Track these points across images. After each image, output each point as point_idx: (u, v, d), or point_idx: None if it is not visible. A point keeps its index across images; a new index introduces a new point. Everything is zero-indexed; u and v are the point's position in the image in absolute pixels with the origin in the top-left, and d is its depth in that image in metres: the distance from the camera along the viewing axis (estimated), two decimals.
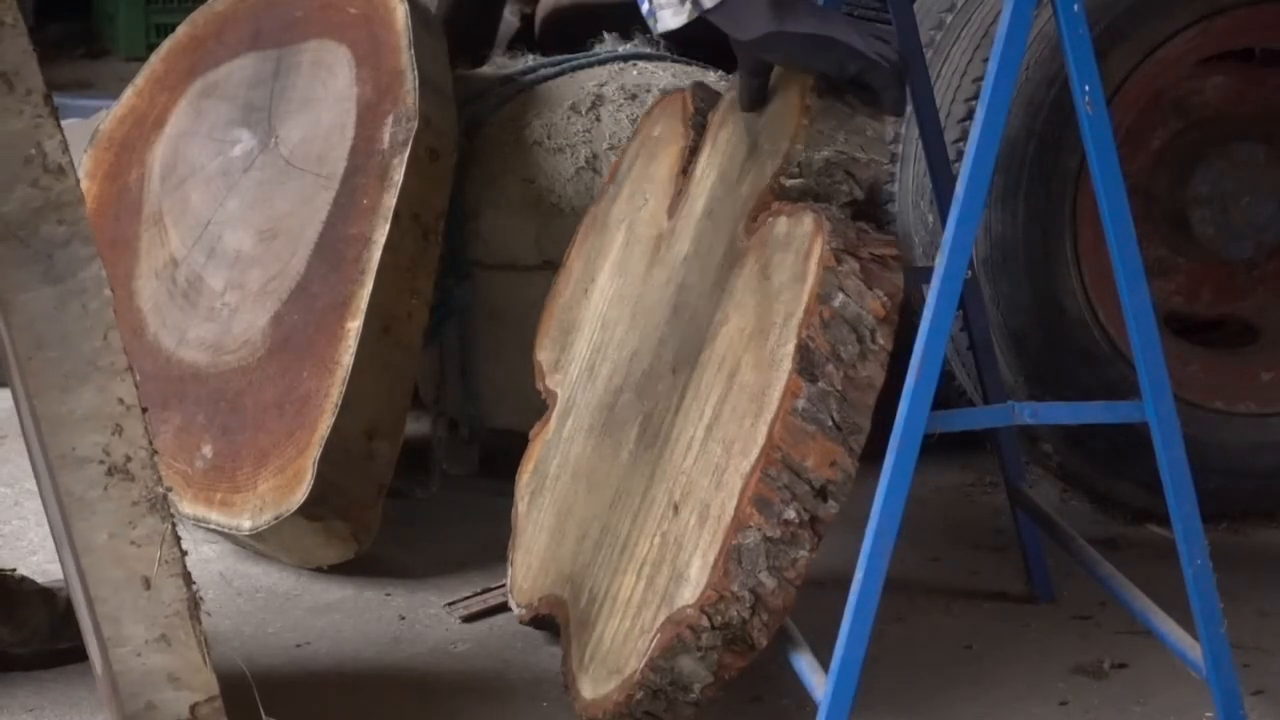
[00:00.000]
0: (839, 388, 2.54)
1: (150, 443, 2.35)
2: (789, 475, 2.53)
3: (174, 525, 2.35)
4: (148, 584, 2.33)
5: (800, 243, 2.64)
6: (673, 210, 3.09)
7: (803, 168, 2.74)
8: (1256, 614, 3.28)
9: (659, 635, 2.61)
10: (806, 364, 2.54)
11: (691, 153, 3.11)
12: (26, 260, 2.32)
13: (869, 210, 2.84)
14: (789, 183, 2.75)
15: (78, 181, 2.34)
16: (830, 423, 2.54)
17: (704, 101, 3.16)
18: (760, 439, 2.56)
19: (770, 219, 2.74)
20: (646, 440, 2.86)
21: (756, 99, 2.88)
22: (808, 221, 2.64)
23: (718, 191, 2.95)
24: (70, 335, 2.33)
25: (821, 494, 2.54)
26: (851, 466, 2.56)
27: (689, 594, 2.60)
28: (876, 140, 2.75)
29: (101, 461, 2.33)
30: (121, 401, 2.34)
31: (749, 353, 2.66)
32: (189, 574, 2.37)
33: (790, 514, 2.54)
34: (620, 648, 2.72)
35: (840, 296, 2.55)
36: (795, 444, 2.53)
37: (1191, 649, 2.70)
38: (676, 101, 3.22)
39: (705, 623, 2.57)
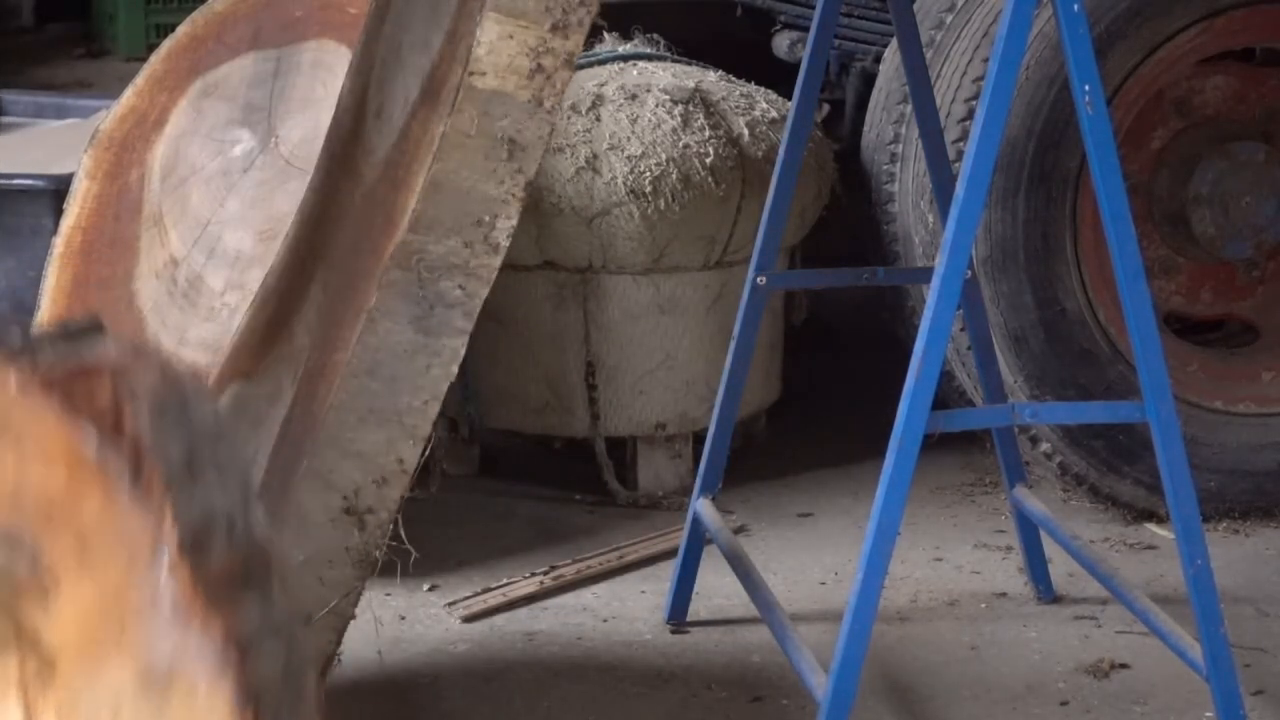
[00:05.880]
0: None
1: (397, 513, 2.36)
2: None
3: (361, 591, 2.37)
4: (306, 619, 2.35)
5: None
6: None
7: None
8: (1256, 614, 3.28)
9: None
10: None
11: None
12: (412, 298, 2.35)
13: None
14: None
15: (497, 268, 2.36)
16: None
17: None
18: None
19: None
20: None
21: None
22: None
23: None
24: (398, 381, 2.35)
25: None
26: None
27: None
28: None
29: (346, 498, 2.34)
30: (400, 462, 2.38)
31: None
32: (339, 642, 2.39)
33: None
34: None
35: None
36: None
37: (1191, 649, 2.70)
38: None
39: None
